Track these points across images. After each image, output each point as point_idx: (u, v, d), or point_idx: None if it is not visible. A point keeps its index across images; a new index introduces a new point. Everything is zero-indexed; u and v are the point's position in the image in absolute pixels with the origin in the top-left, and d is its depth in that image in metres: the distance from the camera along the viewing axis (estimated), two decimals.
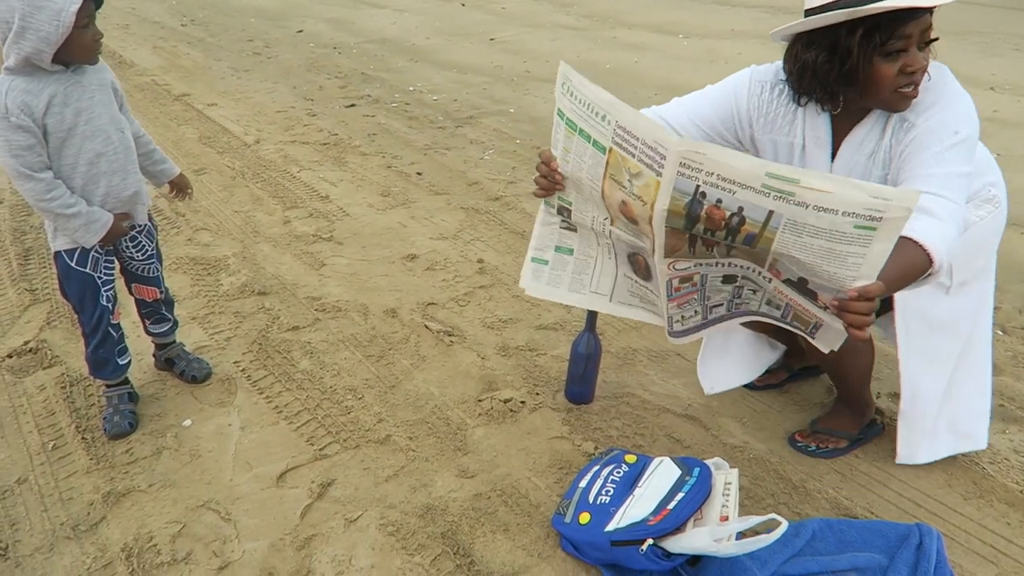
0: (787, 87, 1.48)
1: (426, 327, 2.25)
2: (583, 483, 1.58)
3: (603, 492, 1.54)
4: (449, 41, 6.16)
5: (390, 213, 3.04)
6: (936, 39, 1.32)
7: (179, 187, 1.95)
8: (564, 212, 1.43)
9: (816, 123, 1.48)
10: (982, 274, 1.60)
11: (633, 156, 1.12)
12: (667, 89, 4.75)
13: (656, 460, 1.58)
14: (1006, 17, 6.81)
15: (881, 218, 0.97)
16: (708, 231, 1.11)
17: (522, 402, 1.92)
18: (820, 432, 1.79)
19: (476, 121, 4.19)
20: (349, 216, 3.02)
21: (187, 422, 1.85)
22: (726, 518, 1.44)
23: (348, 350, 2.15)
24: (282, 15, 7.23)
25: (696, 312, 1.36)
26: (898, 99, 1.34)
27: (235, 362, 2.08)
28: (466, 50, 5.85)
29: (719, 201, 1.06)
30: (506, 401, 1.92)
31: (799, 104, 1.47)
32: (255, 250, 2.72)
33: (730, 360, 1.82)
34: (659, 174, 1.07)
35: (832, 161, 1.48)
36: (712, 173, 1.04)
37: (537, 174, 1.43)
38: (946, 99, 1.35)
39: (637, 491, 1.51)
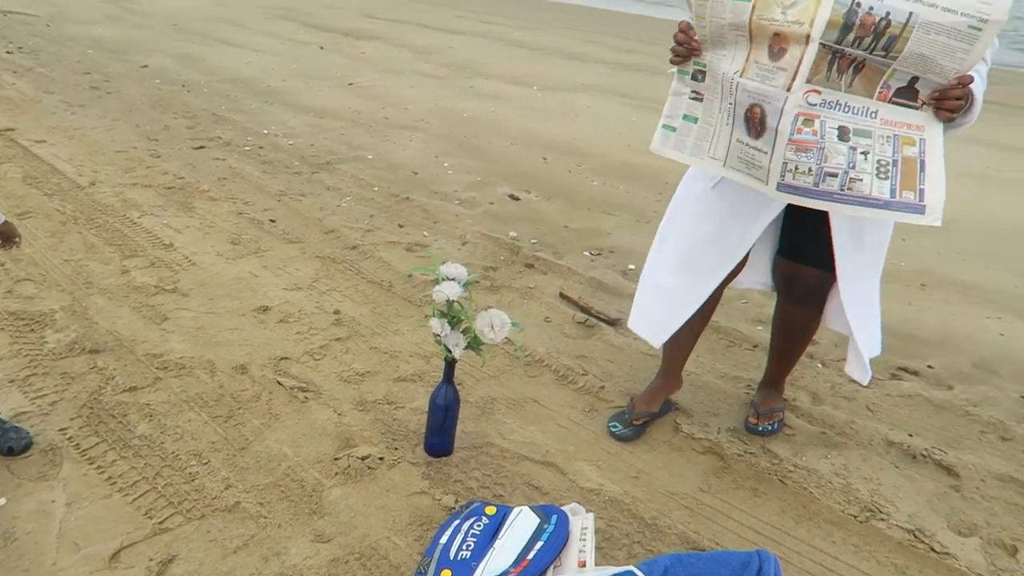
0: None
1: (279, 383, 2.17)
2: (443, 539, 1.57)
3: (464, 547, 1.53)
4: (307, 84, 6.07)
5: (240, 262, 2.91)
6: None
7: (4, 236, 1.77)
8: (698, 76, 1.60)
9: None
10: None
11: None
12: (523, 138, 4.94)
13: (516, 510, 1.60)
14: None
15: (987, 19, 1.30)
16: (857, 39, 1.35)
17: (380, 458, 1.88)
18: (766, 412, 2.10)
19: (333, 167, 4.13)
20: (195, 265, 2.86)
21: (1, 501, 1.66)
22: (583, 563, 1.48)
23: (192, 411, 2.02)
24: (125, 48, 6.83)
25: (810, 170, 1.47)
26: None
27: (61, 429, 1.90)
28: (324, 94, 5.79)
29: (871, 8, 1.32)
30: (364, 458, 1.87)
31: None
32: (87, 303, 2.51)
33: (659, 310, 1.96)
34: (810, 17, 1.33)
35: None
36: None
37: (674, 43, 1.57)
38: None
39: (498, 543, 1.52)
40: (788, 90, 1.42)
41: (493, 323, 1.72)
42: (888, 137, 1.46)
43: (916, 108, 1.45)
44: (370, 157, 4.36)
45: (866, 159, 1.45)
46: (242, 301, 2.62)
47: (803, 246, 1.86)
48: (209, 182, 3.74)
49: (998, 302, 3.10)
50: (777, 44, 1.40)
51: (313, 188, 3.78)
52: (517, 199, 3.87)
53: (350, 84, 6.19)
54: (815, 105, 1.44)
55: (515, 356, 2.37)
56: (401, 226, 3.39)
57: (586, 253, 3.29)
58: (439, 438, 1.90)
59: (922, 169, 1.46)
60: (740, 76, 1.48)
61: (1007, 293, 3.18)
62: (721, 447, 2.03)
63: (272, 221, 3.32)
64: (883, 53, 1.37)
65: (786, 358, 2.12)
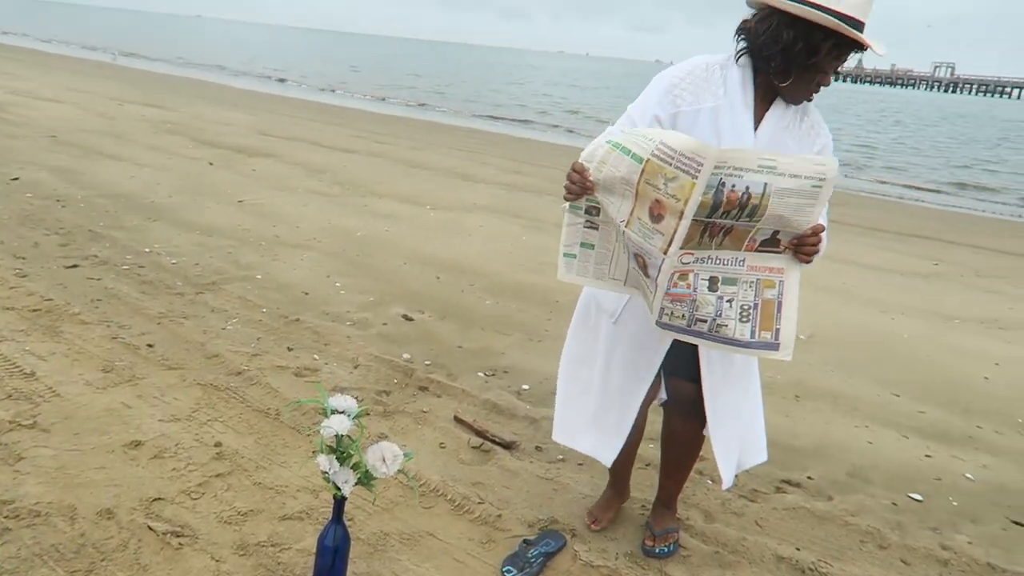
0: (709, 64, 1.79)
1: (149, 528, 1.98)
2: None
3: None
4: (194, 200, 5.94)
5: (112, 392, 2.71)
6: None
7: None
8: (592, 211, 1.70)
9: (744, 89, 1.76)
10: None
11: (670, 165, 1.46)
12: (416, 258, 4.99)
13: None
14: None
15: (825, 178, 1.50)
16: (725, 212, 1.49)
17: None
18: (661, 533, 2.14)
19: (219, 287, 4.00)
20: (60, 397, 2.64)
21: None
22: None
23: (47, 566, 1.81)
24: None
25: (683, 316, 1.63)
26: (807, 96, 1.77)
27: None
28: (212, 211, 5.68)
29: (734, 186, 1.46)
30: None
31: (737, 63, 1.77)
32: None
33: (592, 429, 2.04)
34: (695, 176, 1.43)
35: (756, 127, 1.77)
36: (731, 167, 1.44)
37: (568, 182, 1.65)
38: (827, 131, 1.83)
39: None
40: (665, 254, 1.52)
41: (385, 456, 1.66)
42: (752, 282, 1.61)
43: (779, 252, 1.61)
44: (259, 277, 4.26)
45: (731, 306, 1.60)
46: (111, 436, 2.42)
47: (679, 359, 1.94)
48: (81, 304, 3.52)
49: (863, 411, 3.32)
50: (657, 209, 1.50)
51: (197, 310, 3.64)
52: (411, 319, 3.86)
53: (240, 201, 6.12)
54: (689, 263, 1.56)
55: (408, 487, 2.29)
56: (290, 349, 3.29)
57: (480, 374, 3.29)
58: None
59: (779, 310, 1.62)
60: (625, 227, 1.59)
61: (870, 402, 3.42)
62: (619, 573, 2.01)
63: (150, 346, 3.14)
64: (748, 219, 1.52)
65: (675, 474, 2.17)
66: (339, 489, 1.68)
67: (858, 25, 1.62)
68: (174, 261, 4.37)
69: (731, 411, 1.97)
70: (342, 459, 1.68)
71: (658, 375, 1.97)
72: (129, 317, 3.44)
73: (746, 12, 1.76)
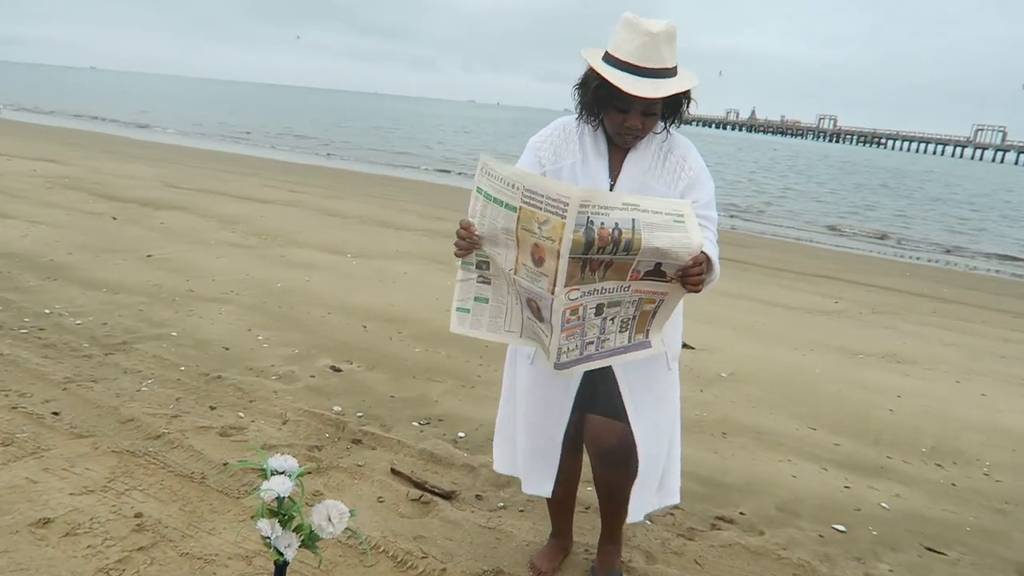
0: (567, 125, 1.95)
1: None
2: None
3: None
4: (97, 257, 5.65)
5: (14, 467, 2.50)
6: (658, 113, 1.83)
7: None
8: (483, 265, 1.77)
9: (596, 143, 1.90)
10: (678, 358, 2.07)
11: (540, 209, 1.53)
12: (341, 307, 4.90)
13: None
14: None
15: (683, 213, 1.60)
16: (600, 249, 1.54)
17: None
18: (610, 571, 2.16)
19: (131, 347, 3.79)
20: None
21: None
22: None
23: None
24: None
25: (576, 347, 1.69)
26: (620, 139, 1.86)
27: None
28: (118, 267, 5.41)
29: (603, 223, 1.52)
30: None
31: (580, 120, 1.92)
32: None
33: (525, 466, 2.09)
34: (563, 216, 1.49)
35: (614, 172, 1.89)
36: (595, 206, 1.52)
37: (457, 238, 1.72)
38: (698, 161, 1.91)
39: None
40: (552, 293, 1.58)
41: (331, 515, 1.61)
42: (633, 301, 1.69)
43: (666, 282, 1.67)
44: (174, 334, 4.07)
45: (613, 323, 1.70)
46: (15, 515, 2.22)
47: (595, 395, 1.98)
48: None
49: (787, 445, 3.45)
50: (537, 253, 1.57)
51: (107, 372, 3.42)
52: (339, 370, 3.77)
53: (148, 256, 5.87)
54: (576, 298, 1.61)
55: (352, 544, 2.21)
56: (213, 408, 3.15)
57: (415, 423, 3.24)
58: None
59: (652, 316, 1.73)
60: (514, 274, 1.65)
61: (792, 436, 3.57)
62: None
63: (55, 414, 2.93)
64: (625, 253, 1.57)
65: (610, 516, 2.17)
66: (281, 555, 1.61)
67: (633, 69, 1.73)
68: (78, 322, 4.12)
69: (658, 448, 1.99)
70: (284, 522, 1.61)
71: (579, 416, 2.01)
72: (30, 384, 3.20)
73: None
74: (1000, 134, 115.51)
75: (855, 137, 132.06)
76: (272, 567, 1.69)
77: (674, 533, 2.54)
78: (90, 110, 30.38)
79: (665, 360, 1.97)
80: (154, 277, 5.22)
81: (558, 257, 1.52)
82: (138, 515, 2.28)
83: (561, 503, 2.23)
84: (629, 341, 1.72)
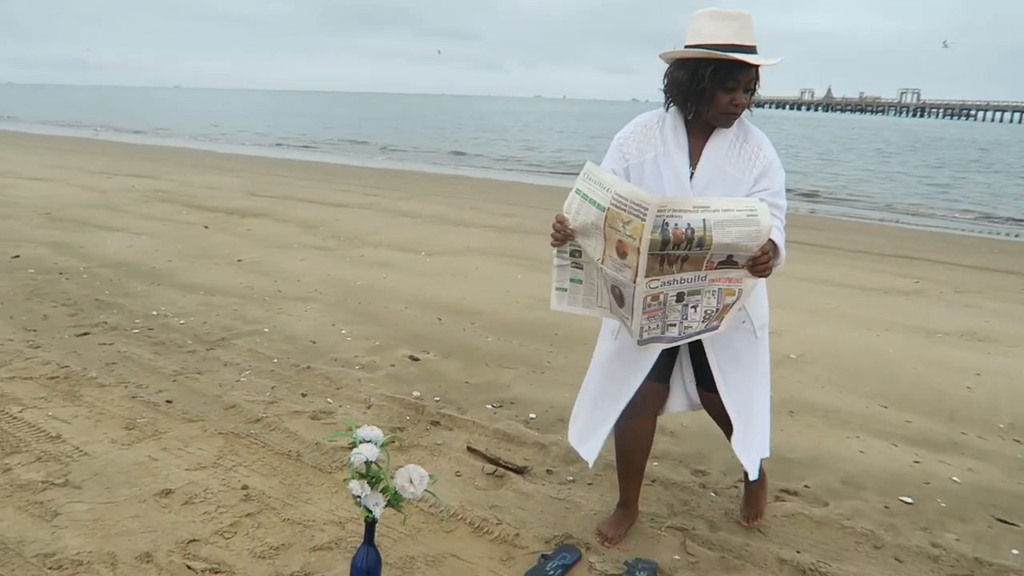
0: (648, 120, 2.13)
1: (188, 567, 2.10)
2: None
3: None
4: (193, 263, 6.11)
5: (137, 447, 2.84)
6: (755, 89, 2.01)
7: None
8: (576, 253, 1.99)
9: (676, 135, 2.07)
10: (768, 323, 2.26)
11: (624, 211, 1.74)
12: (416, 302, 5.17)
13: None
14: None
15: (755, 208, 1.78)
16: (675, 246, 1.74)
17: None
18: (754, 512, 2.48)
19: (229, 343, 4.15)
20: (87, 455, 2.76)
21: None
22: None
23: None
24: None
25: (657, 326, 1.90)
26: (724, 119, 2.02)
27: None
28: (212, 272, 5.85)
29: (676, 225, 1.72)
30: None
31: (666, 110, 2.11)
32: None
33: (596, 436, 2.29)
34: (643, 219, 1.71)
35: (694, 160, 2.06)
36: (670, 210, 1.71)
37: (553, 230, 1.95)
38: (771, 151, 2.07)
39: None
40: (634, 283, 1.79)
41: (412, 478, 1.81)
42: (714, 292, 1.89)
43: (738, 268, 1.86)
44: (266, 330, 4.41)
45: (695, 311, 1.89)
46: (142, 487, 2.54)
47: (704, 376, 2.24)
48: (96, 368, 3.65)
49: (854, 423, 3.48)
50: (621, 248, 1.79)
51: (210, 365, 3.77)
52: (417, 360, 4.02)
53: (239, 261, 6.30)
54: (656, 287, 1.82)
55: (433, 512, 2.42)
56: (304, 395, 3.43)
57: (488, 406, 3.44)
58: None
59: (731, 308, 1.94)
60: (601, 263, 1.87)
61: (860, 415, 3.58)
62: None
63: (168, 402, 3.27)
64: (699, 248, 1.78)
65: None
66: (370, 512, 1.82)
67: (737, 48, 1.92)
68: (182, 321, 4.51)
69: (745, 407, 2.22)
70: (372, 484, 1.82)
71: (667, 388, 2.28)
72: (145, 377, 3.57)
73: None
74: None
75: (941, 110, 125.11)
76: (363, 531, 1.91)
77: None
78: (174, 127, 32.13)
79: (752, 329, 2.17)
80: (245, 280, 5.62)
81: (639, 253, 1.74)
82: (244, 487, 2.56)
83: (628, 471, 2.39)
84: (706, 326, 1.94)
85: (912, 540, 2.49)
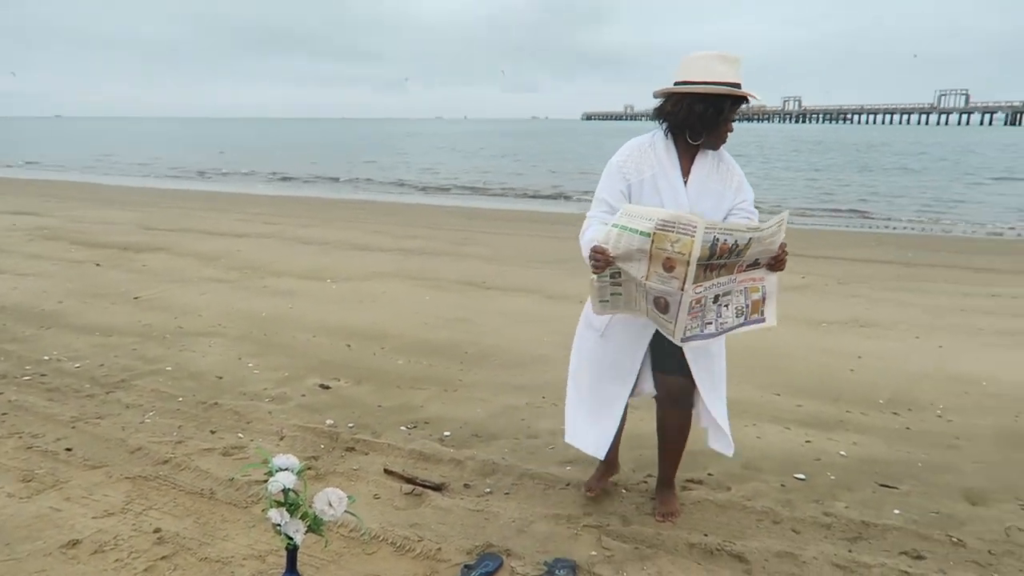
0: (640, 143, 2.42)
1: None
2: None
3: None
4: (86, 304, 5.83)
5: (38, 499, 2.71)
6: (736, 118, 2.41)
7: None
8: (614, 276, 2.24)
9: (669, 156, 2.39)
10: None
11: (672, 231, 2.02)
12: (324, 329, 5.12)
13: None
14: None
15: (783, 222, 2.15)
16: (720, 257, 2.07)
17: None
18: (667, 513, 2.64)
19: (130, 384, 3.99)
20: None
21: None
22: None
23: None
24: None
25: (697, 325, 2.17)
26: (720, 143, 2.39)
27: None
28: (108, 311, 5.59)
29: (725, 241, 2.04)
30: None
31: (668, 137, 2.40)
32: None
33: (590, 430, 2.58)
34: (692, 236, 1.99)
35: (687, 178, 2.38)
36: (720, 228, 2.03)
37: (593, 260, 2.19)
38: (739, 169, 2.45)
39: None
40: (682, 291, 2.07)
41: (331, 501, 1.84)
42: (742, 291, 2.22)
43: (759, 268, 2.23)
44: (169, 369, 4.27)
45: (728, 308, 2.22)
46: (46, 540, 2.43)
47: (667, 359, 2.50)
48: None
49: (751, 412, 3.71)
50: (668, 264, 2.07)
51: (110, 409, 3.63)
52: (328, 388, 3.99)
53: (136, 298, 6.05)
54: (700, 292, 2.11)
55: (354, 536, 2.43)
56: (213, 432, 3.36)
57: (403, 428, 3.47)
58: None
59: (763, 302, 2.28)
60: (645, 280, 2.13)
61: (756, 403, 3.83)
62: None
63: (68, 450, 3.13)
64: (736, 257, 2.12)
65: (671, 456, 2.69)
66: (291, 539, 1.84)
67: (739, 86, 2.28)
68: (77, 365, 4.31)
69: (715, 395, 2.53)
70: (291, 511, 1.84)
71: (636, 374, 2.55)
72: (40, 426, 3.40)
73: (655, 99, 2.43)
74: (963, 97, 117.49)
75: (821, 115, 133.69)
76: (284, 561, 1.91)
77: (647, 498, 2.79)
78: (56, 159, 30.35)
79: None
80: (143, 318, 5.41)
81: (688, 265, 2.03)
82: (157, 530, 2.49)
83: (612, 443, 2.64)
84: (745, 320, 2.26)
85: (807, 512, 2.70)
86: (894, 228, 12.57)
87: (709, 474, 3.02)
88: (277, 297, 6.12)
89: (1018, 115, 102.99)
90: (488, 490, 2.85)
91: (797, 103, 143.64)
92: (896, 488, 2.92)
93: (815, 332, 5.26)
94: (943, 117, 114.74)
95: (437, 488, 2.83)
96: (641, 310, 2.28)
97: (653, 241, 2.06)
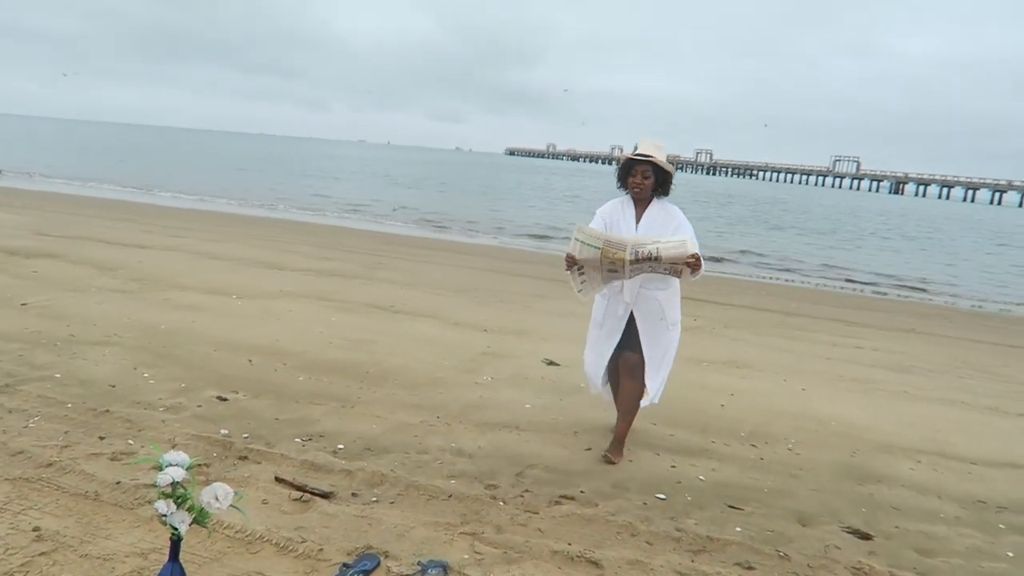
0: (615, 201, 3.74)
1: None
2: None
3: None
4: None
5: None
6: (649, 178, 3.61)
7: None
8: (581, 270, 3.47)
9: (627, 208, 3.67)
10: (679, 321, 3.78)
11: (612, 247, 3.31)
12: (226, 344, 5.14)
13: None
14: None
15: (684, 239, 3.37)
16: (644, 260, 3.29)
17: None
18: (611, 458, 3.67)
19: (14, 389, 3.92)
20: None
21: None
22: None
23: None
24: None
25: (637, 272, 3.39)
26: (635, 194, 3.63)
27: None
28: None
29: (641, 251, 3.28)
30: None
31: (628, 197, 3.70)
32: None
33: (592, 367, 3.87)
34: (623, 251, 3.29)
35: (638, 223, 3.61)
36: (640, 243, 3.30)
37: (566, 261, 3.47)
38: (681, 214, 3.64)
39: None
40: (626, 277, 3.39)
41: (218, 494, 1.97)
42: (665, 268, 3.35)
43: (679, 266, 3.35)
44: (58, 375, 4.21)
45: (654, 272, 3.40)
46: None
47: (626, 342, 3.71)
48: None
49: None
50: (612, 266, 3.35)
51: None
52: (225, 400, 4.04)
53: (23, 304, 5.86)
54: (635, 274, 3.38)
55: (239, 537, 2.54)
56: (102, 438, 3.37)
57: (298, 440, 3.58)
58: None
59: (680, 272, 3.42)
60: (600, 273, 3.40)
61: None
62: None
63: None
64: (656, 261, 3.29)
65: (625, 416, 3.78)
66: (176, 530, 1.95)
67: (649, 157, 3.54)
68: None
69: (657, 363, 3.69)
70: (179, 503, 1.96)
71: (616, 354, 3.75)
72: None
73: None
74: (855, 164, 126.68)
75: (730, 169, 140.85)
76: (165, 558, 2.01)
77: (522, 510, 3.02)
78: None
79: (667, 324, 3.67)
80: (32, 324, 5.26)
81: (624, 266, 3.31)
82: (36, 528, 2.52)
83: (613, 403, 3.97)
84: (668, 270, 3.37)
85: (661, 527, 2.99)
86: (780, 280, 13.52)
87: (581, 491, 3.28)
88: (179, 311, 6.06)
89: (901, 185, 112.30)
90: (374, 499, 3.01)
91: (708, 155, 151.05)
92: (742, 509, 3.27)
93: (696, 370, 5.68)
94: (838, 180, 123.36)
95: (325, 496, 2.97)
96: (603, 286, 3.53)
97: (602, 252, 3.33)
